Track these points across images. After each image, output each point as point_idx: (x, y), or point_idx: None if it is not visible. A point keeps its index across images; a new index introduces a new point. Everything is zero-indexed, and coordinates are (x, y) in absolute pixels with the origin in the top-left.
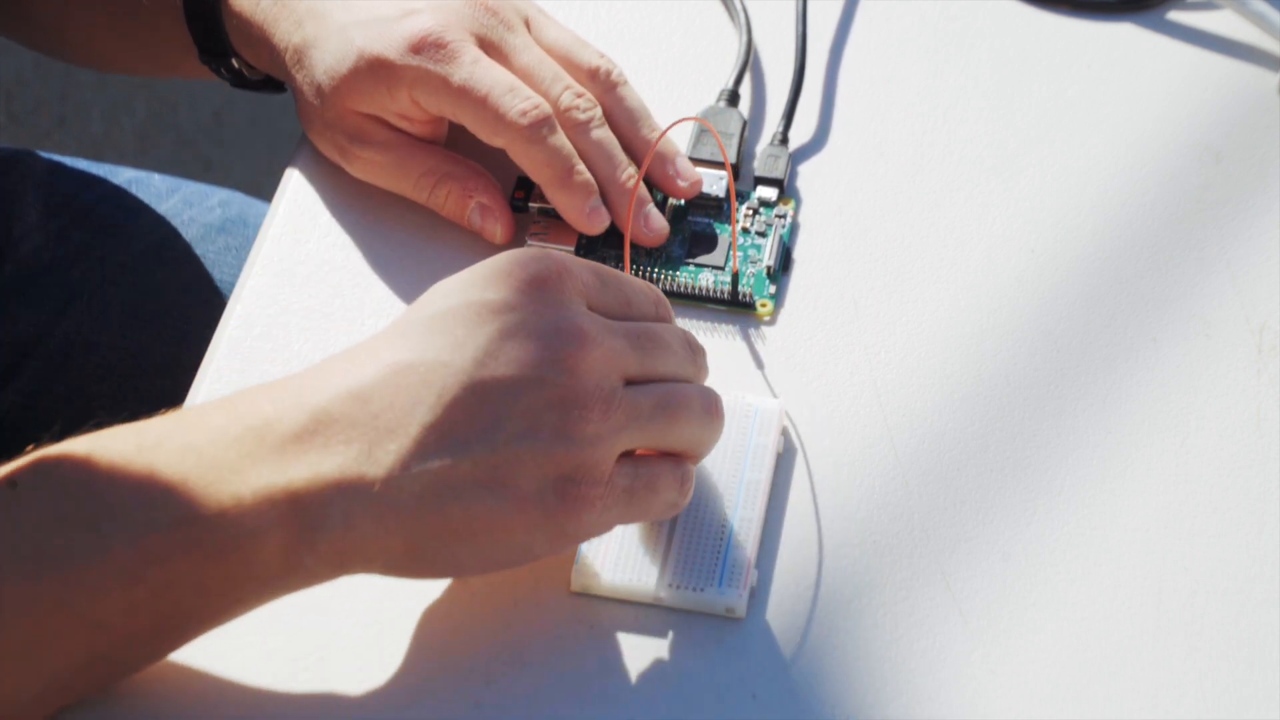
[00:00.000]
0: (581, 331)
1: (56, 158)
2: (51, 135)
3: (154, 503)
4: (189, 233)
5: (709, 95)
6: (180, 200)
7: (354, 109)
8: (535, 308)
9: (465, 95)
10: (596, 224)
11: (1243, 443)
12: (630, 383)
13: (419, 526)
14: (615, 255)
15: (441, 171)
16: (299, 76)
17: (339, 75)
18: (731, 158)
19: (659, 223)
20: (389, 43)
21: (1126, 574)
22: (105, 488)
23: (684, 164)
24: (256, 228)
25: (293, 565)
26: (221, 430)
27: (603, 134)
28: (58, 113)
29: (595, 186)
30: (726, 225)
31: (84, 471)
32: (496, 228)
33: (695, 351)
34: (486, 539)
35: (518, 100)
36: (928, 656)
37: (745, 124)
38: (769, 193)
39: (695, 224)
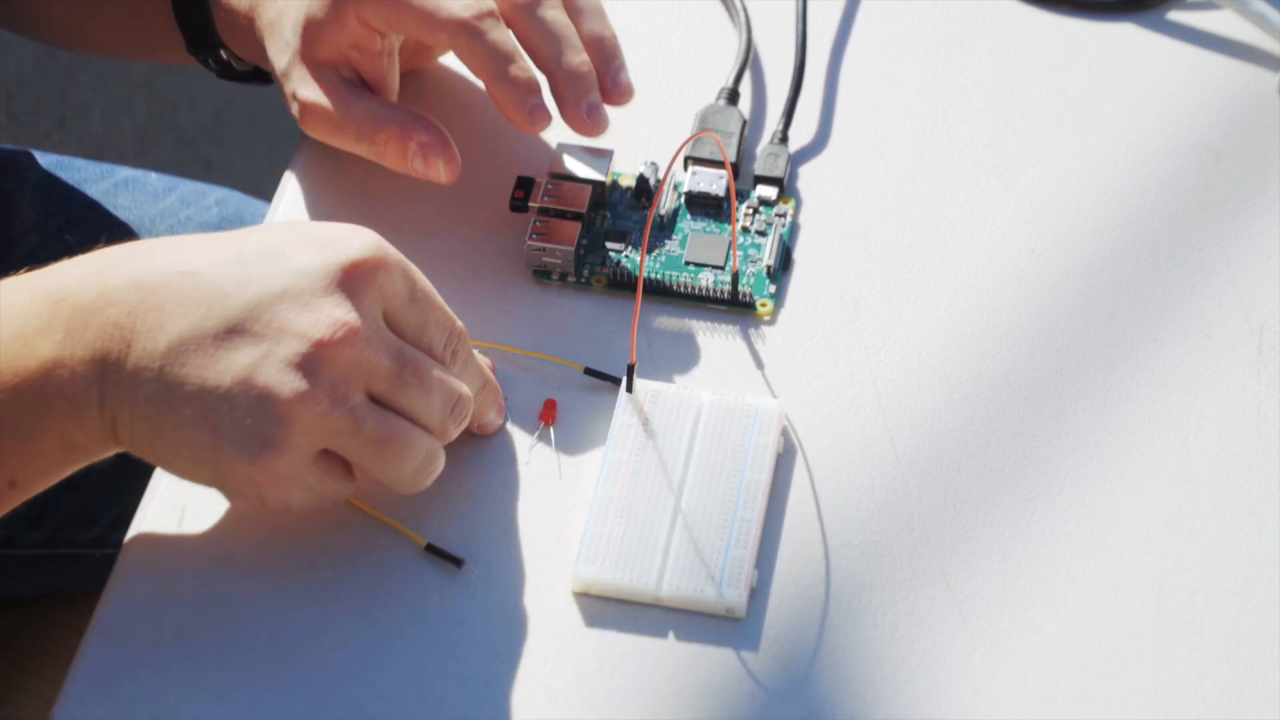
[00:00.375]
0: (351, 330)
1: (53, 157)
2: (51, 135)
3: None
4: (186, 231)
5: (709, 94)
6: (177, 199)
7: (315, 57)
8: (329, 287)
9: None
10: (538, 122)
11: (1243, 443)
12: (374, 399)
13: (144, 427)
14: (604, 264)
15: (381, 117)
16: (273, 45)
17: (300, 24)
18: (731, 157)
19: (603, 115)
20: None
21: (1126, 574)
22: None
23: (625, 75)
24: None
25: (68, 441)
26: (24, 303)
27: (554, 15)
28: (58, 113)
29: (538, 84)
30: (726, 224)
31: None
32: (439, 165)
33: (453, 413)
34: (193, 461)
35: None
36: (928, 656)
37: (745, 123)
38: (769, 191)
39: (695, 223)
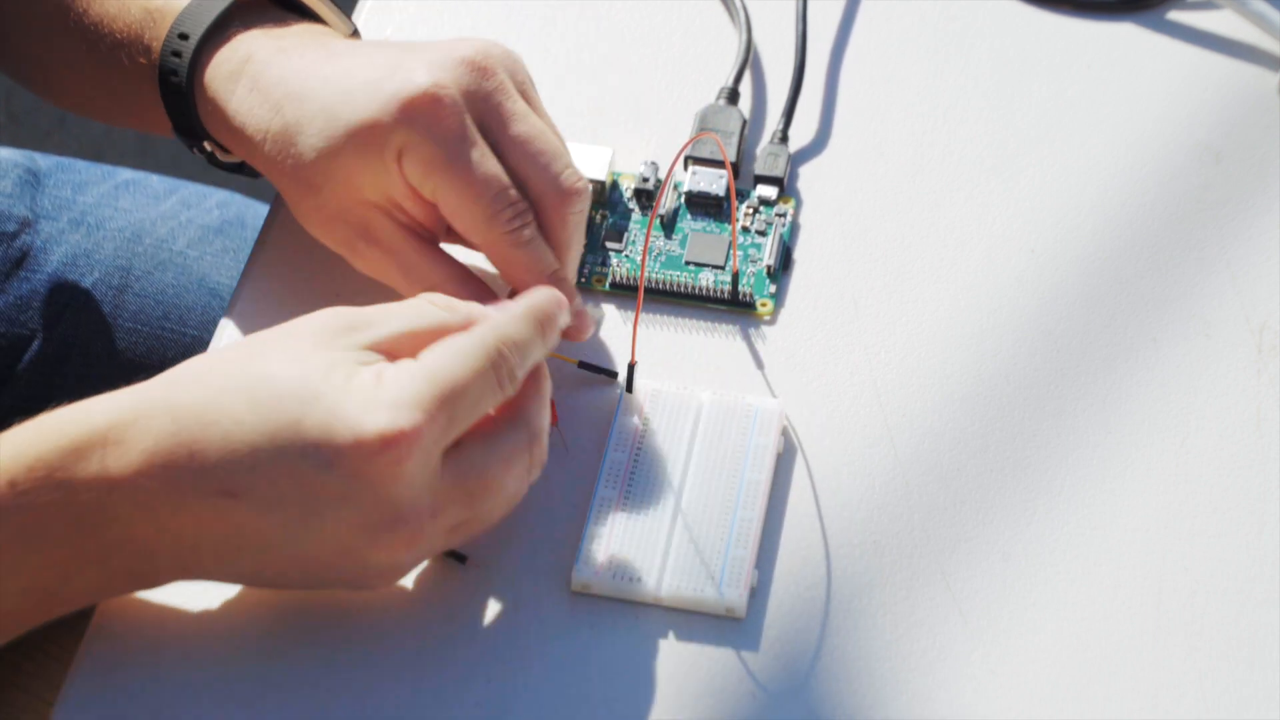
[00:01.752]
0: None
1: (53, 158)
2: (52, 135)
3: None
4: (187, 234)
5: (709, 94)
6: (178, 201)
7: (357, 197)
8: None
9: (453, 177)
10: (585, 330)
11: (1243, 443)
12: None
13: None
14: (604, 264)
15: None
16: (287, 166)
17: (330, 155)
18: (731, 156)
19: (586, 323)
20: (379, 103)
21: (1126, 574)
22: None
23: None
24: (254, 229)
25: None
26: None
27: (582, 229)
28: (58, 113)
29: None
30: (726, 224)
31: None
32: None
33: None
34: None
35: (504, 205)
36: (928, 656)
37: (745, 123)
38: (769, 191)
39: (695, 223)
